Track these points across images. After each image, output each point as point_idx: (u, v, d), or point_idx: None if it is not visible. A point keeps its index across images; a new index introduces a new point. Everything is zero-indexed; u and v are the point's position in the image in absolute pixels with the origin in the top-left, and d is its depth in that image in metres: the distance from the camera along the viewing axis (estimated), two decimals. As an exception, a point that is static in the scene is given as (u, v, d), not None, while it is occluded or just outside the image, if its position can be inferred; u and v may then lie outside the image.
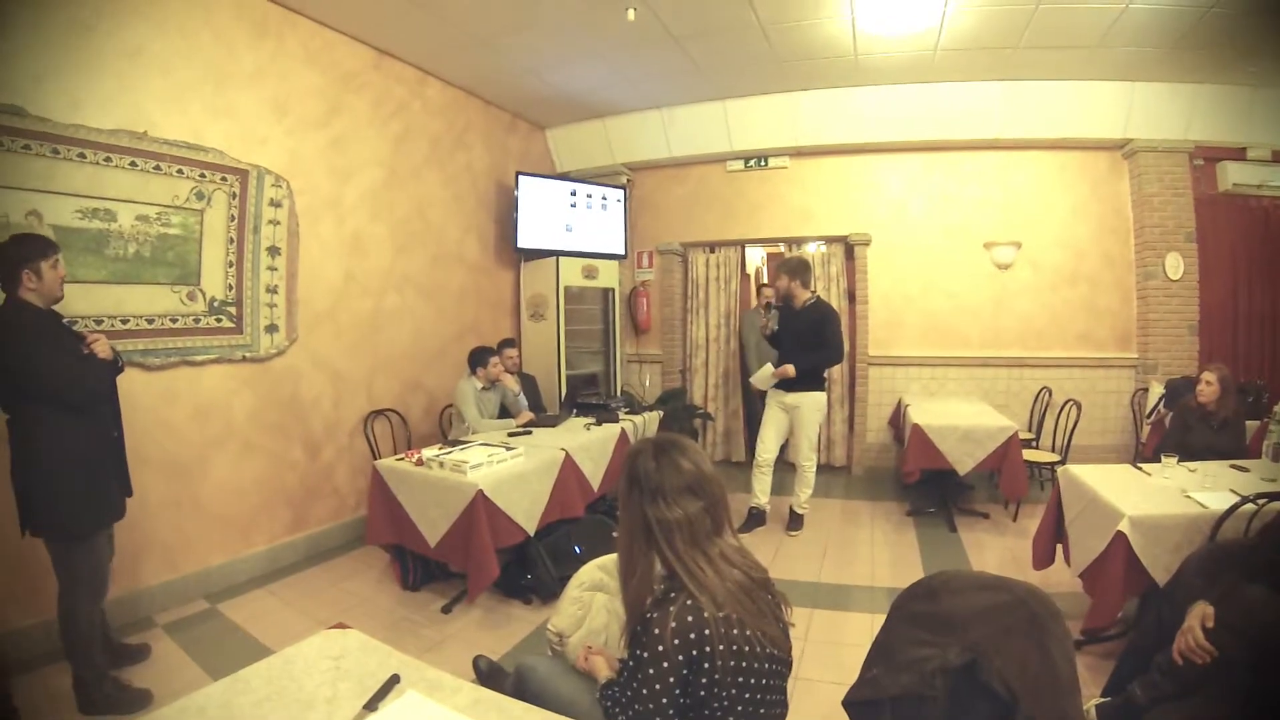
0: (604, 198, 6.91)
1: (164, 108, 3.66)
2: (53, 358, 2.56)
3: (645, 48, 5.19)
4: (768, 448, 4.96)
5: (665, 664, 1.37)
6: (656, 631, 1.39)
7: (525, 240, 6.31)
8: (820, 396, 4.84)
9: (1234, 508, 2.65)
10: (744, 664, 1.40)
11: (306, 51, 4.47)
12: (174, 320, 3.72)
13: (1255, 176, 5.73)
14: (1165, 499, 2.97)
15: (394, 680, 1.48)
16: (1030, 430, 5.89)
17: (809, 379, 4.79)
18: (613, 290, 7.02)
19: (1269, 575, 2.02)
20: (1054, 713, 1.35)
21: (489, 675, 2.44)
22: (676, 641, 1.37)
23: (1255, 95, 5.57)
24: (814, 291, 4.88)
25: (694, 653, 1.37)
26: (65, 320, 2.81)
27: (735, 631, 1.40)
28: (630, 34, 4.85)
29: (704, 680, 1.38)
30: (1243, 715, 1.77)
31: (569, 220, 6.61)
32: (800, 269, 4.80)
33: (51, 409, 2.58)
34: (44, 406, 2.57)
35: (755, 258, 7.80)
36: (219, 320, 3.95)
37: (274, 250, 4.24)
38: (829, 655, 3.11)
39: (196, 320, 3.83)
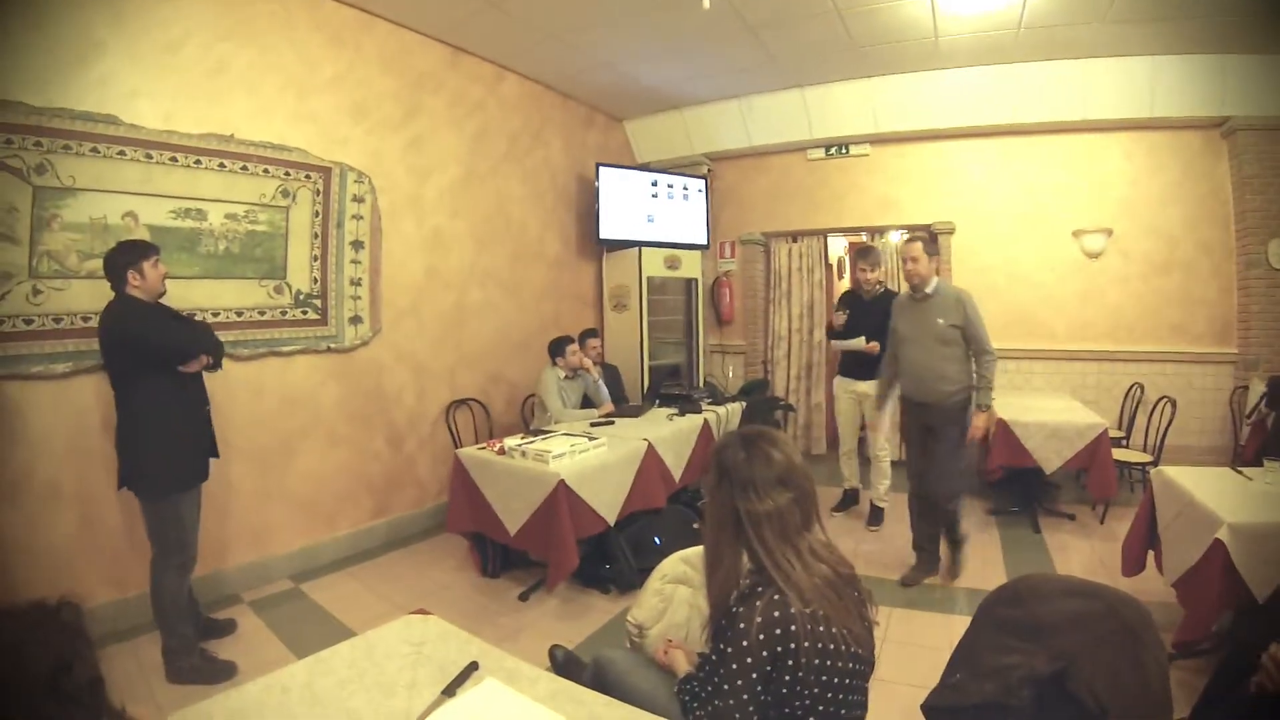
0: (685, 188, 6.91)
1: (252, 115, 3.85)
2: (167, 323, 2.89)
3: (721, 37, 5.15)
4: (848, 436, 5.03)
5: (749, 660, 1.36)
6: (742, 626, 1.38)
7: (607, 231, 6.35)
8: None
9: (1345, 517, 2.47)
10: (828, 662, 1.38)
11: (383, 55, 4.61)
12: (262, 313, 3.90)
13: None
14: (1268, 506, 2.78)
15: (472, 667, 1.51)
16: (1120, 428, 5.62)
17: (875, 367, 4.73)
18: (695, 281, 7.02)
19: None
20: (1146, 729, 1.29)
21: (565, 665, 2.47)
22: (761, 637, 1.35)
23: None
24: (881, 281, 4.87)
25: (779, 649, 1.35)
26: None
27: (821, 629, 1.38)
28: (705, 24, 4.80)
29: (787, 678, 1.36)
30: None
31: (650, 211, 6.63)
32: (868, 254, 4.82)
33: (155, 379, 2.82)
34: (149, 377, 2.81)
35: (838, 247, 7.68)
36: (304, 312, 4.11)
37: (357, 244, 4.39)
38: (906, 656, 3.04)
39: (283, 313, 4.01)
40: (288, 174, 3.99)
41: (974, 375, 3.85)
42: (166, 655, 2.90)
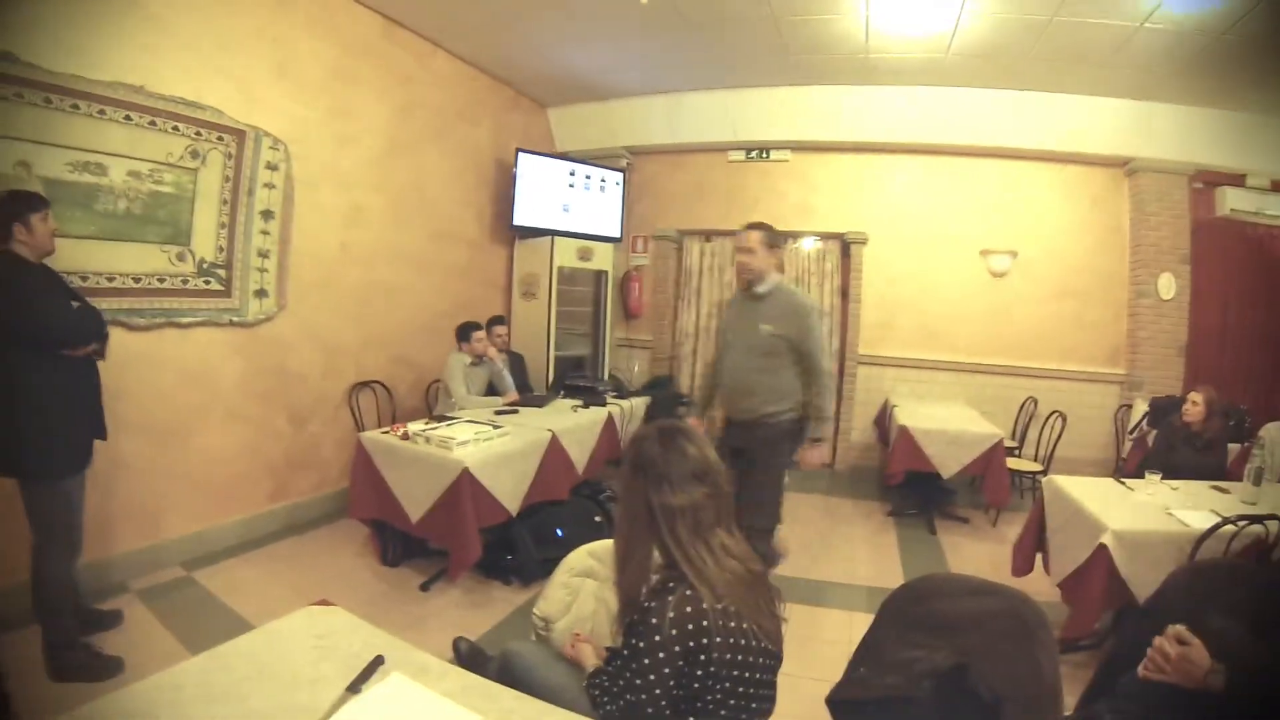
0: (603, 180, 6.85)
1: (164, 64, 3.56)
2: (50, 304, 2.61)
3: (656, 32, 5.14)
4: None
5: (661, 654, 1.35)
6: (654, 621, 1.37)
7: (521, 218, 6.24)
8: None
9: (1215, 528, 2.69)
10: (739, 657, 1.39)
11: (313, 15, 4.37)
12: (161, 280, 3.64)
13: (1253, 204, 5.79)
14: (1148, 515, 3.01)
15: (378, 661, 1.45)
16: (1014, 438, 5.93)
17: None
18: (606, 273, 6.97)
19: (1245, 609, 2.02)
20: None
21: (470, 657, 2.42)
22: (674, 632, 1.35)
23: (1259, 123, 5.60)
24: None
25: (691, 644, 1.35)
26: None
27: (732, 624, 1.39)
28: (642, 17, 4.81)
29: (699, 672, 1.37)
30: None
31: (566, 200, 6.55)
32: None
33: (36, 354, 2.58)
34: (29, 352, 2.56)
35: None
36: (207, 282, 3.87)
37: (268, 214, 4.16)
38: (806, 651, 3.10)
39: (184, 281, 3.76)
40: (199, 133, 3.74)
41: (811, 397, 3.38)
42: (49, 650, 2.67)
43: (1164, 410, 4.88)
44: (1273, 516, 2.73)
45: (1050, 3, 4.23)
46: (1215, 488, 3.44)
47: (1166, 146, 5.76)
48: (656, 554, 1.52)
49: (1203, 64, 4.76)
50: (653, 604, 1.41)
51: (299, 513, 4.53)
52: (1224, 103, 5.44)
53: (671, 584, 1.43)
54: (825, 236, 6.82)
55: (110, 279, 3.40)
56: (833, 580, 4.05)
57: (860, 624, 1.68)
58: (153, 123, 3.52)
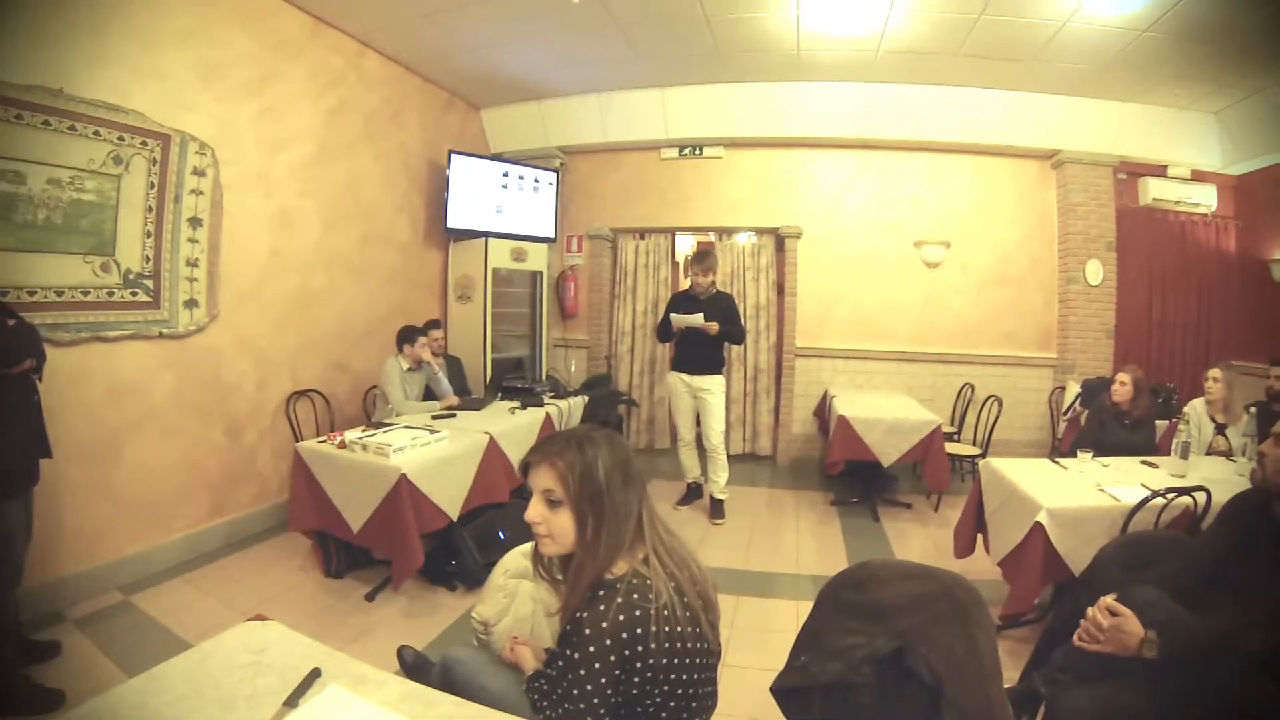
0: (536, 180, 6.80)
1: (84, 70, 3.42)
2: None
3: (587, 31, 5.14)
4: (688, 428, 5.11)
5: (597, 665, 1.33)
6: (588, 633, 1.34)
7: (455, 220, 6.17)
8: (722, 379, 4.99)
9: (1144, 501, 2.80)
10: (676, 660, 1.38)
11: (240, 14, 4.24)
12: (85, 293, 3.49)
13: (1174, 193, 6.08)
14: (1081, 492, 3.12)
15: (315, 675, 1.42)
16: (952, 424, 6.09)
17: (712, 363, 4.93)
18: (541, 274, 6.93)
19: (1176, 579, 2.12)
20: (978, 697, 1.39)
21: (414, 666, 2.38)
22: (609, 643, 1.33)
23: (1178, 117, 5.90)
24: (714, 283, 4.99)
25: (627, 653, 1.34)
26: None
27: (667, 629, 1.37)
28: (574, 17, 4.81)
29: (636, 679, 1.36)
30: (1146, 704, 1.85)
31: (500, 201, 6.49)
32: (704, 259, 4.92)
33: None
34: None
35: (686, 246, 7.83)
36: (135, 294, 3.73)
37: (195, 221, 4.02)
38: (755, 641, 3.16)
39: (110, 293, 3.61)
40: (122, 139, 3.60)
41: None
42: None
43: (1095, 391, 5.05)
44: (1200, 488, 2.85)
45: (977, 2, 4.36)
46: (1145, 463, 3.60)
47: (1091, 139, 6.00)
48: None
49: (1125, 61, 4.97)
50: (585, 614, 1.38)
51: (240, 528, 4.40)
52: (1146, 97, 5.70)
53: (603, 592, 1.41)
54: (760, 231, 6.89)
55: (31, 293, 3.25)
56: (779, 571, 4.09)
57: (806, 612, 1.70)
58: (73, 128, 3.38)
